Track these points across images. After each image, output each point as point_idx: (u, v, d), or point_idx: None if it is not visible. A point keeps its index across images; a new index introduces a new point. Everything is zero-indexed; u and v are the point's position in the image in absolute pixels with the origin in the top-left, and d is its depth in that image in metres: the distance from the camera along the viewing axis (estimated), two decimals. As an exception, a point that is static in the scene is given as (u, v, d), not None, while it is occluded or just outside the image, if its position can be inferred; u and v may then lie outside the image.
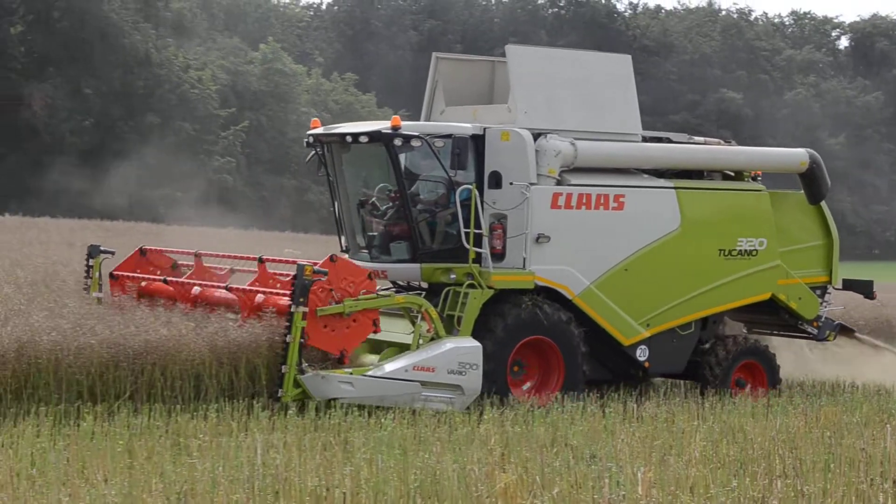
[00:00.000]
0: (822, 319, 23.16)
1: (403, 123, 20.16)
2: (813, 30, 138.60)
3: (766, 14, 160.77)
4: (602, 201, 21.06)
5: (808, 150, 23.45)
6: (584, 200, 20.90)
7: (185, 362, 18.49)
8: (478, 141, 20.61)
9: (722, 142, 23.64)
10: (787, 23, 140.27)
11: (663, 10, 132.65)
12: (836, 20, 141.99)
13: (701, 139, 23.23)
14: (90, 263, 22.11)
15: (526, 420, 17.72)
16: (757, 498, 12.33)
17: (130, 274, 21.77)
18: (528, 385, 20.62)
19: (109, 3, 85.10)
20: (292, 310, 18.40)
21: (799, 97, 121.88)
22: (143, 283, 21.61)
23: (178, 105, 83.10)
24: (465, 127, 20.64)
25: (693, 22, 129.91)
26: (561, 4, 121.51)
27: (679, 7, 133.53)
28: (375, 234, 21.25)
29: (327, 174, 21.53)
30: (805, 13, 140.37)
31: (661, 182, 21.83)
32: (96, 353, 18.15)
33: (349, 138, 20.61)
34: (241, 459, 14.06)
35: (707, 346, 22.28)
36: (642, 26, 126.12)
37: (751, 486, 12.86)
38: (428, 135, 20.15)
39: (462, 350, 19.48)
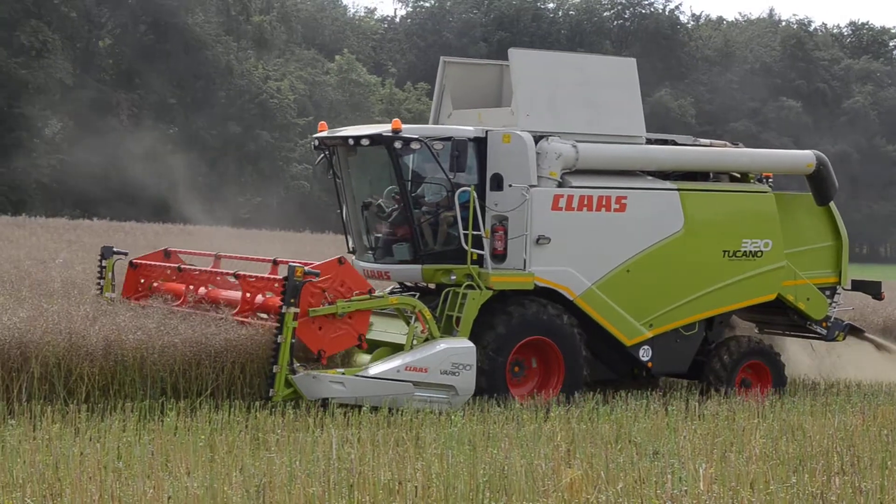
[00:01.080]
0: (832, 320, 22.66)
1: (404, 126, 19.79)
2: (871, 40, 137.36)
3: (825, 25, 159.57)
4: (604, 203, 20.64)
5: (816, 152, 22.99)
6: (585, 202, 20.49)
7: (262, 361, 18.51)
8: (480, 143, 20.30)
9: (728, 144, 23.05)
10: (845, 33, 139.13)
11: (725, 21, 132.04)
12: (893, 30, 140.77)
13: (706, 141, 22.73)
14: (103, 264, 21.79)
15: (591, 417, 17.66)
16: (815, 494, 12.20)
17: (148, 262, 21.68)
18: (528, 385, 20.16)
19: (193, 17, 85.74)
20: (283, 310, 18.01)
21: (857, 105, 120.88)
22: (156, 284, 21.52)
23: (257, 114, 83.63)
24: (466, 130, 20.35)
25: (754, 33, 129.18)
26: (626, 16, 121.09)
27: (740, 18, 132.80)
28: (379, 235, 20.90)
29: (334, 176, 21.25)
30: (863, 24, 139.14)
31: (665, 184, 21.37)
32: (179, 351, 18.30)
33: (351, 141, 20.28)
34: (317, 454, 14.09)
35: (713, 346, 21.85)
36: (704, 37, 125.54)
37: (809, 483, 12.74)
38: (427, 137, 19.85)
39: (455, 350, 19.02)
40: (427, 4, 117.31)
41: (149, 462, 13.54)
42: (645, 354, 21.02)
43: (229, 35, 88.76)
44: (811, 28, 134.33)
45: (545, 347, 20.09)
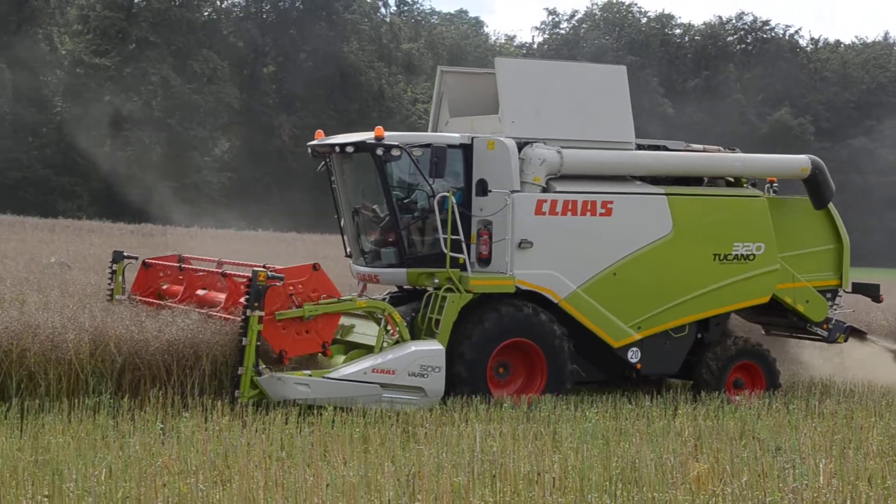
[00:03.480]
0: (833, 322, 21.47)
1: (387, 134, 18.87)
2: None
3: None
4: (589, 207, 19.57)
5: (811, 156, 21.69)
6: (569, 207, 19.43)
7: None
8: (466, 150, 19.43)
9: (723, 149, 21.96)
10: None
11: (842, 45, 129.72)
12: None
13: (699, 147, 21.63)
14: (114, 268, 20.97)
15: (717, 415, 17.46)
16: (930, 489, 11.97)
17: (161, 262, 20.98)
18: (513, 386, 19.14)
19: (349, 45, 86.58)
20: (248, 313, 17.06)
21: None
22: (164, 287, 20.66)
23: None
24: (449, 137, 19.53)
25: (870, 55, 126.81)
26: (748, 41, 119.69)
27: (857, 41, 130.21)
28: (370, 240, 20.02)
29: (330, 183, 20.45)
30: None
31: (653, 189, 20.24)
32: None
33: (338, 148, 19.51)
34: (462, 446, 14.10)
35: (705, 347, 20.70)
36: (822, 59, 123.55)
37: (925, 478, 12.50)
38: (407, 144, 18.89)
39: (423, 353, 18.09)
40: (562, 31, 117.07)
41: (309, 452, 13.67)
42: (633, 356, 19.92)
43: (381, 61, 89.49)
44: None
45: (528, 349, 19.08)
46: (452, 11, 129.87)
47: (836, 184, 21.88)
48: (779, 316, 21.78)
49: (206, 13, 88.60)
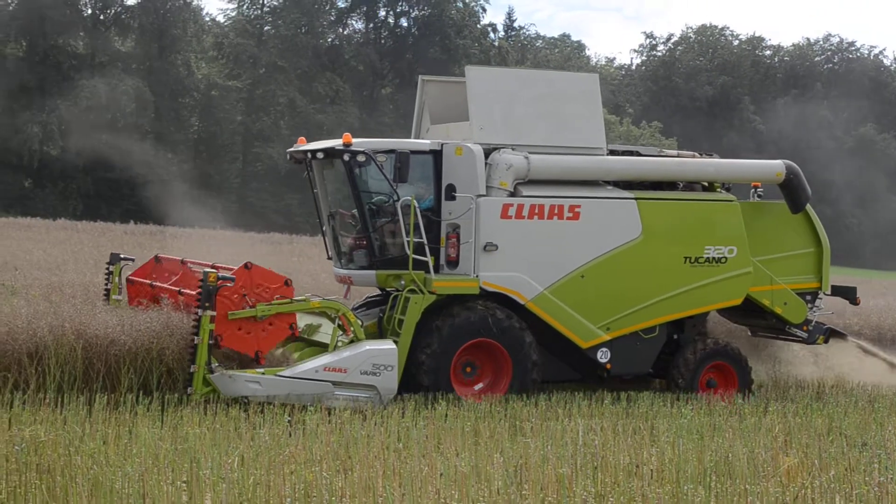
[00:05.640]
0: (813, 324, 20.82)
1: (355, 140, 18.31)
2: None
3: None
4: (556, 211, 18.90)
5: (786, 161, 20.84)
6: (536, 211, 18.78)
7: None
8: (437, 156, 18.81)
9: (697, 155, 21.14)
10: None
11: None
12: None
13: (673, 152, 20.90)
14: (110, 269, 20.23)
15: (805, 412, 17.22)
16: None
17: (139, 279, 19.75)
18: (480, 385, 18.54)
19: (459, 68, 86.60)
20: (200, 313, 16.52)
21: None
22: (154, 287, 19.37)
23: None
24: (414, 143, 19.06)
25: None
26: (834, 61, 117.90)
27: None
28: (345, 242, 19.52)
29: (311, 188, 19.86)
30: None
31: (621, 193, 19.50)
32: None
33: (309, 154, 19.02)
34: (566, 440, 14.05)
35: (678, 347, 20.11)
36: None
37: None
38: (372, 150, 18.32)
39: (376, 352, 17.42)
40: (659, 54, 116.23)
41: (423, 444, 13.67)
42: (603, 356, 19.24)
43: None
44: None
45: (493, 349, 18.49)
46: (556, 35, 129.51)
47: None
48: (759, 318, 21.16)
49: (329, 39, 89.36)
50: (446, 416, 15.78)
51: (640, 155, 20.37)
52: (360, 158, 18.23)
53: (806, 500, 11.11)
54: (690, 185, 20.65)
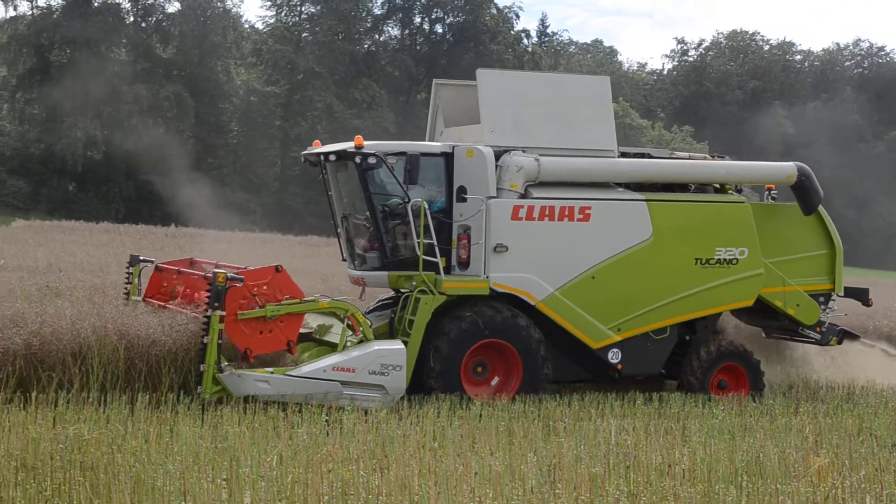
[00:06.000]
0: (826, 325, 20.59)
1: (366, 143, 18.21)
2: None
3: None
4: (566, 213, 18.72)
5: (797, 163, 20.68)
6: (546, 212, 18.60)
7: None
8: (448, 158, 18.67)
9: (709, 157, 20.91)
10: None
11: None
12: None
13: (684, 154, 20.77)
14: (130, 271, 20.23)
15: (836, 413, 17.12)
16: None
17: (170, 266, 19.81)
18: (491, 384, 18.36)
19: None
20: (209, 313, 16.37)
21: None
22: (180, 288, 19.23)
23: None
24: (425, 145, 18.92)
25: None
26: (864, 66, 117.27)
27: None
28: (359, 244, 19.35)
29: (326, 191, 19.80)
30: None
31: (632, 195, 19.33)
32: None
33: (322, 157, 18.88)
34: (599, 439, 14.02)
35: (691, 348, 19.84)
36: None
37: None
38: (383, 153, 18.21)
39: (384, 352, 17.23)
40: (690, 59, 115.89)
41: (459, 443, 13.68)
42: (614, 357, 19.06)
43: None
44: None
45: (504, 350, 18.34)
46: (588, 41, 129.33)
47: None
48: (772, 319, 20.98)
49: (366, 45, 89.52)
50: (480, 416, 15.77)
51: (651, 157, 20.29)
52: (371, 161, 18.16)
53: (836, 500, 11.06)
54: (702, 188, 20.53)
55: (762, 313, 20.71)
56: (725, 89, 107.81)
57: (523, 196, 18.70)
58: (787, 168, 20.64)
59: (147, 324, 17.19)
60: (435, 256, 18.29)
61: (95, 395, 15.92)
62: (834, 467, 12.50)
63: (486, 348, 18.31)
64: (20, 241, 39.87)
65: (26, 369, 16.45)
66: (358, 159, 18.21)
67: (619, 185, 19.61)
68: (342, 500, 10.69)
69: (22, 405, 14.91)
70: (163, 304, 18.75)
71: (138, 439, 13.06)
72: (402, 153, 18.30)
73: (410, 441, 13.55)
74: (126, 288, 20.31)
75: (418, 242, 18.19)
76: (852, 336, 21.88)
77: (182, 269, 19.29)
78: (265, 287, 16.98)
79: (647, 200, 19.35)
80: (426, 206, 18.18)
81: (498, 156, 18.77)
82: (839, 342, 20.97)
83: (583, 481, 11.41)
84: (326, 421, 14.93)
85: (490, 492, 10.93)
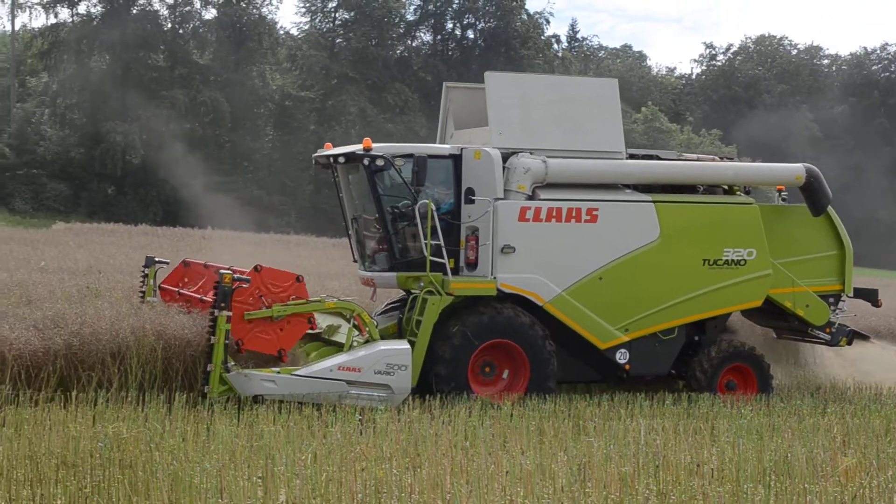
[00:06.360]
0: (836, 326, 20.33)
1: (375, 145, 18.14)
2: None
3: None
4: (574, 214, 18.59)
5: (806, 165, 20.44)
6: (554, 214, 18.48)
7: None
8: (456, 160, 18.60)
9: (717, 158, 20.80)
10: None
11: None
12: None
13: (693, 156, 20.59)
14: (146, 272, 20.18)
15: (863, 413, 17.03)
16: None
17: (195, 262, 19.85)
18: (499, 385, 18.22)
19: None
20: (215, 314, 16.33)
21: None
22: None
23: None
24: (433, 147, 18.79)
25: None
26: (891, 69, 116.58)
27: None
28: (368, 245, 19.32)
29: (337, 192, 19.76)
30: None
31: (640, 196, 19.20)
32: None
33: (332, 159, 18.79)
34: (628, 439, 14.00)
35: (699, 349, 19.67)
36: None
37: None
38: (391, 155, 18.13)
39: (390, 352, 17.14)
40: (719, 63, 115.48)
41: (490, 442, 13.69)
42: (622, 357, 18.89)
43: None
44: None
45: (511, 350, 18.21)
46: (618, 46, 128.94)
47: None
48: (781, 320, 20.80)
49: (398, 51, 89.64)
50: (511, 415, 15.76)
51: (660, 159, 20.17)
52: (380, 163, 18.10)
53: (864, 500, 11.00)
54: (712, 189, 20.40)
55: (771, 314, 20.61)
56: (754, 93, 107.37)
57: (531, 197, 18.63)
58: (795, 169, 20.48)
59: (183, 325, 17.27)
60: (442, 257, 18.24)
61: (134, 394, 16.01)
62: (861, 467, 12.43)
63: (494, 348, 18.23)
64: (61, 244, 40.08)
65: (67, 369, 16.57)
66: (366, 161, 18.17)
67: (627, 186, 19.54)
68: (375, 498, 10.71)
69: (62, 404, 15.01)
70: (178, 290, 18.81)
71: (176, 438, 13.12)
72: (410, 155, 18.26)
73: (442, 440, 13.56)
74: (142, 289, 20.22)
75: (425, 244, 18.14)
76: (862, 337, 21.76)
77: (208, 263, 19.28)
78: (282, 293, 16.98)
79: (654, 202, 19.25)
80: (433, 208, 18.15)
81: (505, 158, 18.72)
82: (849, 343, 20.79)
83: (612, 480, 11.40)
84: (360, 420, 14.96)
85: (521, 490, 10.93)
